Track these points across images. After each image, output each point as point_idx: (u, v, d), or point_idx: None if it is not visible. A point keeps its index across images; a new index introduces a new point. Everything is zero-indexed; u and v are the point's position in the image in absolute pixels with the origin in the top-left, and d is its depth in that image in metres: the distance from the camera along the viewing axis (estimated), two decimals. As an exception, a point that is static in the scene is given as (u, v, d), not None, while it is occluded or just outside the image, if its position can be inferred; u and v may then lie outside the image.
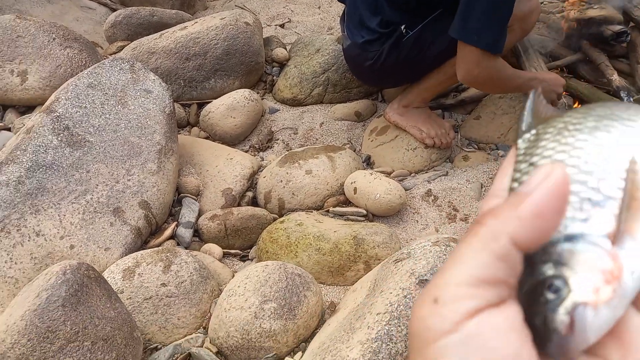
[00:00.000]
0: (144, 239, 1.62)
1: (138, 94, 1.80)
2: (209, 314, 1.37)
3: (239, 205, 1.80)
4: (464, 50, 1.53)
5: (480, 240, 0.27)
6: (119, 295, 1.32)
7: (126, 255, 1.52)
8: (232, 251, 1.65)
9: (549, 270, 0.27)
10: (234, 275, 1.53)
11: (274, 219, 1.71)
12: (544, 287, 0.27)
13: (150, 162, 1.69)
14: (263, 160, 2.04)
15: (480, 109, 2.02)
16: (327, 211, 1.73)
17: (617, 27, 1.93)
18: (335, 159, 1.83)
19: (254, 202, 1.85)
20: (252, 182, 1.89)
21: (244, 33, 2.24)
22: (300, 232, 1.52)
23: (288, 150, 2.07)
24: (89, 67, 2.08)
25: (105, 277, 1.37)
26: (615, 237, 0.27)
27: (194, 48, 2.22)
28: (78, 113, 1.67)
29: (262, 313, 1.22)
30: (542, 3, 2.72)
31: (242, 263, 1.64)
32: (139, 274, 1.38)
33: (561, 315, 0.26)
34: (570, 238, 0.28)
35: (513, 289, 0.28)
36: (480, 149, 1.95)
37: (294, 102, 2.26)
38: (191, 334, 1.35)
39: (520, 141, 0.33)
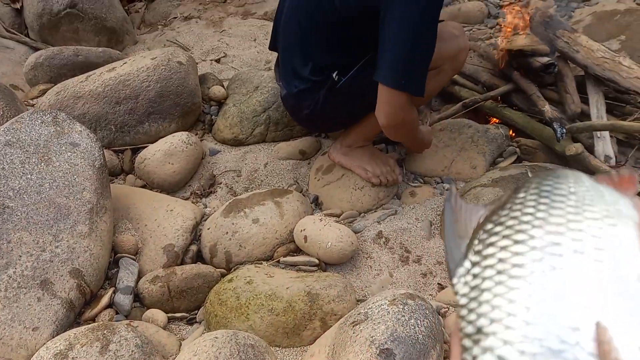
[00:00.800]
0: (77, 312, 1.48)
1: (63, 148, 1.66)
2: (155, 395, 1.26)
3: (182, 262, 1.69)
4: (389, 94, 1.49)
5: None
6: (51, 384, 1.18)
7: (57, 333, 1.37)
8: (178, 315, 1.54)
9: None
10: (180, 344, 1.42)
11: (222, 275, 1.62)
12: None
13: (81, 224, 1.55)
14: (206, 207, 1.94)
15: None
16: (278, 261, 1.66)
17: (545, 59, 2.00)
18: (283, 204, 1.76)
19: (198, 256, 1.75)
20: (195, 234, 1.79)
21: (178, 73, 2.14)
22: (250, 291, 1.43)
23: (232, 195, 1.98)
24: (7, 117, 1.91)
25: (35, 364, 1.23)
26: None
27: (124, 91, 2.09)
28: (-5, 176, 1.51)
29: (215, 394, 1.13)
30: (470, 30, 2.80)
31: (189, 327, 1.53)
32: (72, 358, 1.25)
33: None
34: None
35: None
36: (425, 182, 1.95)
37: (235, 142, 2.18)
38: (136, 420, 1.23)
39: (457, 283, 0.29)
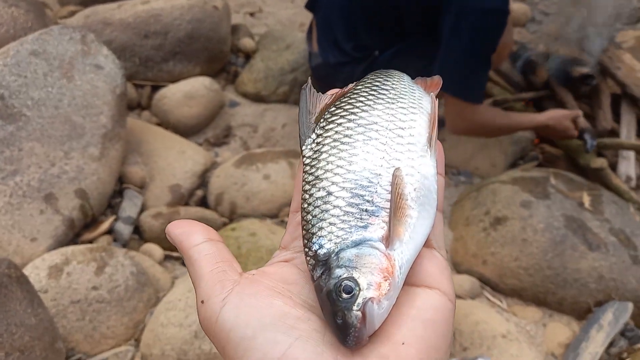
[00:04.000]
0: (76, 232, 1.46)
1: (87, 68, 1.63)
2: (142, 325, 1.25)
3: (186, 204, 1.67)
4: (447, 101, 1.53)
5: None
6: (42, 295, 1.17)
7: (55, 248, 1.36)
8: (175, 254, 1.53)
9: (342, 273, 0.34)
10: (173, 282, 1.41)
11: (224, 224, 1.60)
12: (340, 288, 0.33)
13: (93, 146, 1.53)
14: (217, 156, 1.92)
15: (445, 131, 2.00)
16: (282, 221, 1.64)
17: (585, 70, 1.96)
18: (296, 165, 1.74)
19: (203, 202, 1.73)
20: (203, 179, 1.77)
21: (211, 17, 2.10)
22: (252, 243, 1.42)
23: (245, 149, 1.96)
24: (34, 30, 1.87)
25: (29, 273, 1.23)
26: (388, 240, 0.35)
27: (154, 25, 2.05)
28: (16, 82, 1.49)
29: (204, 333, 1.12)
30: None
31: (183, 268, 1.52)
32: (67, 273, 1.24)
33: (355, 312, 0.32)
34: (355, 243, 0.35)
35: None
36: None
37: (257, 98, 2.15)
38: (120, 346, 1.22)
39: (305, 149, 0.40)
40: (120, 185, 1.64)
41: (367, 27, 1.64)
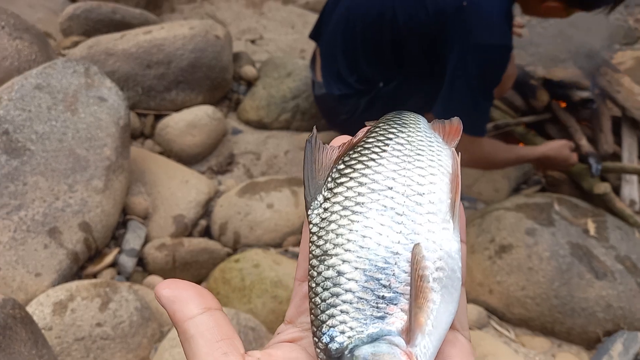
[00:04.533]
0: (80, 265, 1.46)
1: (91, 101, 1.64)
2: (147, 362, 1.24)
3: (190, 234, 1.67)
4: None
5: None
6: (46, 332, 1.16)
7: (59, 283, 1.35)
8: (179, 286, 1.52)
9: None
10: (178, 316, 1.40)
11: (228, 254, 1.60)
12: None
13: (97, 179, 1.54)
14: (220, 184, 1.92)
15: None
16: (286, 250, 1.64)
17: (585, 94, 1.97)
18: (299, 193, 1.74)
19: (206, 232, 1.73)
20: (206, 209, 1.77)
21: (214, 47, 2.12)
22: (256, 275, 1.42)
23: (248, 176, 1.96)
24: (38, 62, 1.89)
25: (33, 309, 1.22)
26: (408, 333, 0.30)
27: (157, 55, 2.07)
28: (20, 117, 1.50)
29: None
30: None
31: (188, 300, 1.51)
32: (72, 309, 1.23)
33: None
34: (372, 338, 0.30)
35: None
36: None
37: (259, 125, 2.16)
38: (125, 383, 1.21)
39: (311, 214, 0.36)
40: (124, 216, 1.64)
41: (368, 59, 1.66)
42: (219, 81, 2.16)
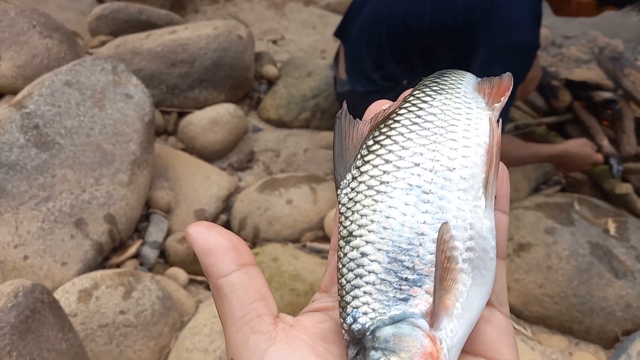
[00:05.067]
0: (104, 256, 1.50)
1: (118, 97, 1.69)
2: (168, 350, 1.27)
3: (211, 228, 1.70)
4: None
5: None
6: (72, 318, 1.20)
7: (84, 272, 1.40)
8: (199, 278, 1.56)
9: (379, 358, 0.29)
10: (197, 306, 1.43)
11: (247, 248, 1.63)
12: None
13: (122, 172, 1.58)
14: (240, 180, 1.95)
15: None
16: (303, 246, 1.66)
17: (607, 95, 1.95)
18: (318, 190, 1.76)
19: (227, 226, 1.76)
20: (227, 204, 1.80)
21: (236, 46, 2.16)
22: (275, 268, 1.44)
23: (268, 173, 1.99)
24: (67, 60, 1.96)
25: (59, 297, 1.26)
26: (433, 316, 0.29)
27: (181, 54, 2.12)
28: (50, 112, 1.55)
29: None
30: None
31: (208, 292, 1.54)
32: (96, 297, 1.27)
33: None
34: (394, 320, 0.30)
35: None
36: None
37: (279, 124, 2.19)
38: (146, 370, 1.24)
39: (340, 194, 0.35)
40: (147, 210, 1.69)
41: (394, 57, 1.67)
42: (241, 80, 2.20)
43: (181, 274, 1.53)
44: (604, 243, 1.48)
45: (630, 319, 1.38)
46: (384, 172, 0.34)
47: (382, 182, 0.33)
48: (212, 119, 2.02)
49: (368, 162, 0.35)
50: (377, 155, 0.35)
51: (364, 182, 0.34)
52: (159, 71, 2.12)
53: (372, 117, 0.38)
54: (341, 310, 0.31)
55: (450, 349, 0.29)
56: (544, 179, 1.93)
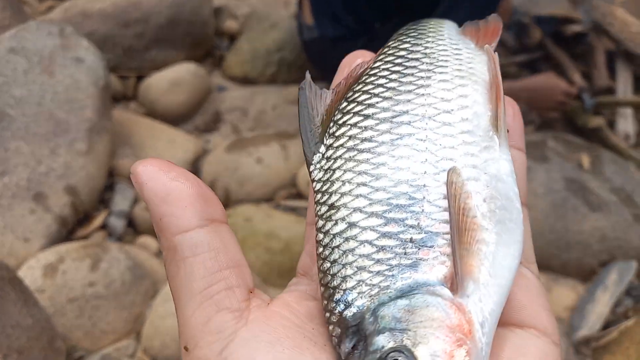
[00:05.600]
0: (69, 229, 1.44)
1: (68, 62, 1.59)
2: (143, 319, 1.24)
3: (180, 193, 1.65)
4: None
5: None
6: (39, 295, 1.16)
7: (48, 247, 1.34)
8: (172, 244, 1.51)
9: (386, 342, 0.22)
10: (172, 273, 1.39)
11: (219, 210, 1.58)
12: None
13: (79, 141, 1.50)
14: (209, 142, 1.89)
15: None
16: (278, 205, 1.62)
17: (578, 28, 1.91)
18: (289, 147, 1.71)
19: (197, 190, 1.70)
20: (195, 167, 1.74)
21: (192, 1, 2.04)
22: (248, 229, 1.40)
23: (236, 134, 1.92)
24: (12, 27, 1.83)
25: (24, 274, 1.21)
26: (454, 281, 0.23)
27: (134, 13, 2.00)
28: (-5, 81, 1.45)
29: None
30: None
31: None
32: (62, 271, 1.22)
33: None
34: (403, 292, 0.23)
35: None
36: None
37: (245, 81, 2.11)
38: (121, 340, 1.21)
39: (313, 170, 0.29)
40: (112, 179, 1.62)
41: (368, 1, 1.60)
42: (201, 37, 2.10)
43: (152, 243, 1.48)
44: (578, 178, 1.47)
45: (605, 250, 1.39)
46: (364, 128, 0.28)
47: (363, 140, 0.28)
48: (172, 79, 1.92)
49: (343, 123, 0.29)
50: (354, 114, 0.29)
51: (341, 145, 0.28)
52: (112, 33, 2.01)
53: (339, 83, 0.32)
54: (326, 302, 0.25)
55: (483, 323, 0.22)
56: (517, 119, 1.91)
